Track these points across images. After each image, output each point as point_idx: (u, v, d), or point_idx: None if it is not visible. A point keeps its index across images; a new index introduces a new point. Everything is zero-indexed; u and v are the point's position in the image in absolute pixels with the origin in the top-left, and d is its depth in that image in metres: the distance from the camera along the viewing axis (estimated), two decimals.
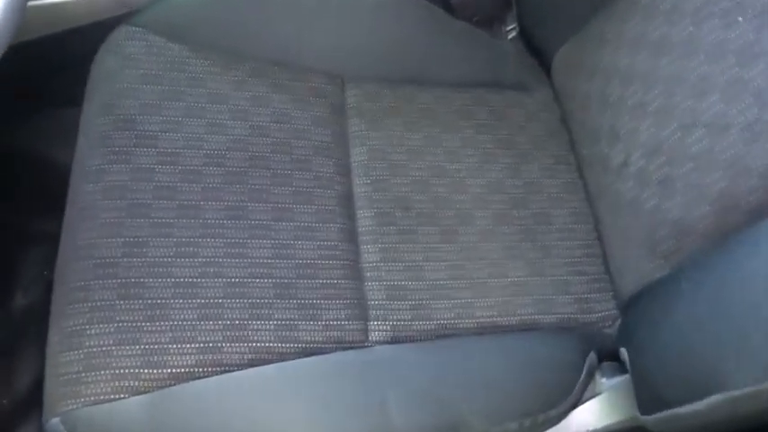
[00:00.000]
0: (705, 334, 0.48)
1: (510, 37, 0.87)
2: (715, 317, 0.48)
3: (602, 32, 0.72)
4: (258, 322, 0.60)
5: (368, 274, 0.67)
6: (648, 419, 0.55)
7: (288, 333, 0.61)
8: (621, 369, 0.63)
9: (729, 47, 0.57)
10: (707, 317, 0.49)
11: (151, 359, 0.57)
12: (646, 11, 0.66)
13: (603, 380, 0.63)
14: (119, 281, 0.60)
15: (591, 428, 0.63)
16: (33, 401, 0.90)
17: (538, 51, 0.85)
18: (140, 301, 0.59)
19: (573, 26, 0.77)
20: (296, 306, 0.62)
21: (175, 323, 0.59)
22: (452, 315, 0.66)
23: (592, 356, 0.64)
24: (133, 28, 0.75)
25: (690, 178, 0.58)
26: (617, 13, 0.70)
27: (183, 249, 0.63)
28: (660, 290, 0.58)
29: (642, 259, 0.63)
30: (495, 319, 0.66)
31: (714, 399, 0.45)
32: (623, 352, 0.61)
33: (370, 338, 0.63)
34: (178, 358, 0.57)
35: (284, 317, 0.62)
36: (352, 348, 0.62)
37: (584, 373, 0.62)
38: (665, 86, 0.62)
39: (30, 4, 0.83)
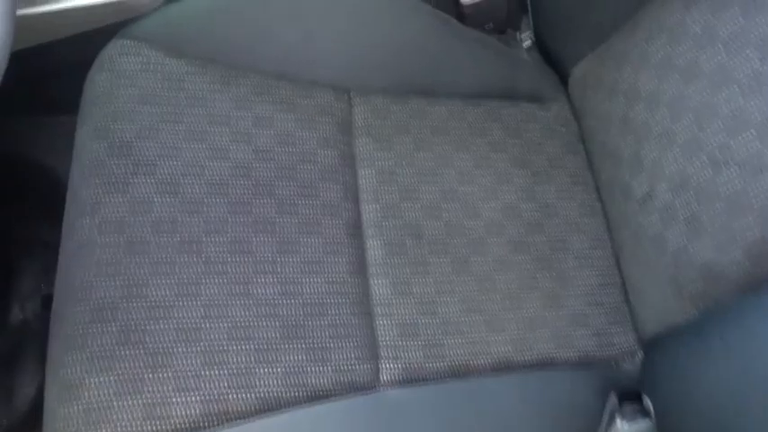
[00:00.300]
0: (738, 404, 0.46)
1: (525, 44, 0.83)
2: (749, 388, 0.45)
3: (625, 50, 0.68)
4: (265, 368, 0.58)
5: (378, 310, 0.64)
6: None
7: (296, 379, 0.58)
8: (642, 411, 0.61)
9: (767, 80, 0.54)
10: (740, 386, 0.46)
11: (154, 411, 0.54)
12: (673, 32, 0.62)
13: (624, 424, 0.61)
14: (118, 326, 0.57)
15: None
16: (32, 422, 0.89)
17: (554, 62, 0.81)
18: (141, 348, 0.56)
19: (592, 41, 0.73)
20: (304, 348, 0.60)
21: (178, 371, 0.56)
22: (466, 353, 0.63)
23: (612, 398, 0.61)
24: (128, 41, 0.71)
25: (720, 220, 0.55)
26: (640, 32, 0.66)
27: (184, 289, 0.60)
28: (688, 340, 0.55)
29: (667, 298, 0.60)
30: (510, 356, 0.64)
31: None
32: (647, 402, 0.58)
33: (381, 380, 0.61)
34: (182, 410, 0.55)
35: (292, 360, 0.59)
36: (363, 393, 0.59)
37: (605, 416, 0.60)
38: (695, 117, 0.59)
39: (26, 12, 0.79)
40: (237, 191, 0.66)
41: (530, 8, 0.80)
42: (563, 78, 0.81)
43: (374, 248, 0.67)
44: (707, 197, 0.57)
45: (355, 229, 0.68)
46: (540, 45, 0.83)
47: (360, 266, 0.66)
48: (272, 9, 0.75)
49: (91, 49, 0.75)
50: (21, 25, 0.81)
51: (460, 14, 0.81)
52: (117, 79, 0.69)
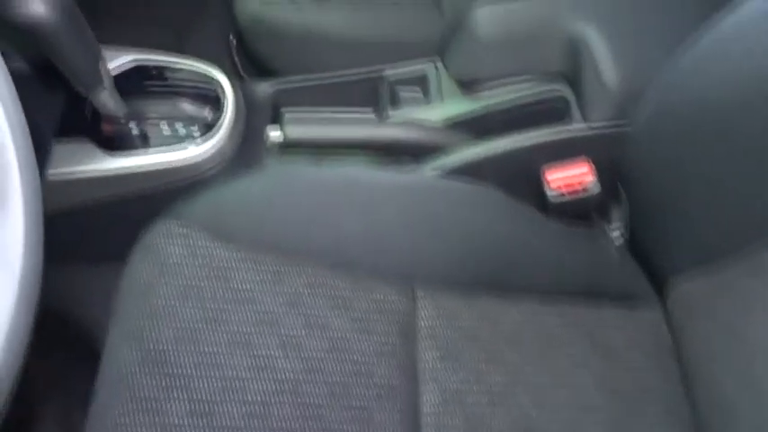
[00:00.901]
0: None
1: (614, 237, 0.74)
2: None
3: (740, 284, 0.58)
4: None
5: None
6: None
7: None
8: None
9: None
10: None
11: None
12: None
13: None
14: None
15: None
16: None
17: (647, 262, 0.72)
18: None
19: (696, 256, 0.63)
20: None
21: None
22: None
23: None
24: (174, 223, 0.65)
25: None
26: (761, 269, 0.56)
27: None
28: None
29: None
30: None
31: None
32: None
33: None
34: None
35: None
36: None
37: None
38: None
39: (74, 175, 0.76)
40: (280, 417, 0.57)
41: (624, 202, 0.71)
42: (656, 281, 0.71)
43: None
44: None
45: None
46: (632, 241, 0.74)
47: None
48: (333, 195, 0.68)
49: (137, 207, 0.69)
50: (65, 187, 0.77)
51: (544, 205, 0.73)
52: (159, 268, 0.62)
